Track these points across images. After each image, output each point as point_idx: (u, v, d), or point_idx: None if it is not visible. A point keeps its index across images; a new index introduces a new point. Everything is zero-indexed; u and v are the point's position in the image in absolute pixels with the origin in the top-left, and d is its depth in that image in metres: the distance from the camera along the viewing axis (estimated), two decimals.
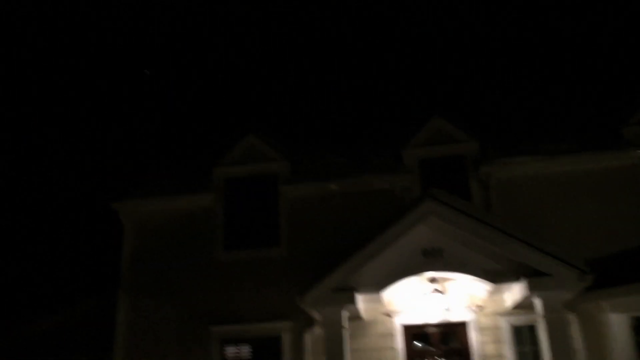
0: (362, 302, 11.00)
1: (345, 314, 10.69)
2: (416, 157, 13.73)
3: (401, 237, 10.64)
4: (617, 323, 10.67)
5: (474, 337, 11.64)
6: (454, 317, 11.67)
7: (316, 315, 11.20)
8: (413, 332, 11.94)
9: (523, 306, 10.93)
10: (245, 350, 12.53)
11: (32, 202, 21.43)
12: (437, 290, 11.20)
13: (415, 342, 11.87)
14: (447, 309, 11.34)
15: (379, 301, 11.30)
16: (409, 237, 10.69)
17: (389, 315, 11.86)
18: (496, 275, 10.56)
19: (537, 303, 10.32)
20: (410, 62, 16.63)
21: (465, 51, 16.35)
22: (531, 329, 11.38)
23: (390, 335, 11.81)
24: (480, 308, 11.68)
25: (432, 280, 11.21)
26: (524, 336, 11.54)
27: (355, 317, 11.36)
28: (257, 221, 13.55)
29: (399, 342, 11.81)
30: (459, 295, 11.68)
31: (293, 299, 11.12)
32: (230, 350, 12.58)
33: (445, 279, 11.32)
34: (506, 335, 11.57)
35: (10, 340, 14.34)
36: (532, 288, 10.13)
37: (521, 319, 11.47)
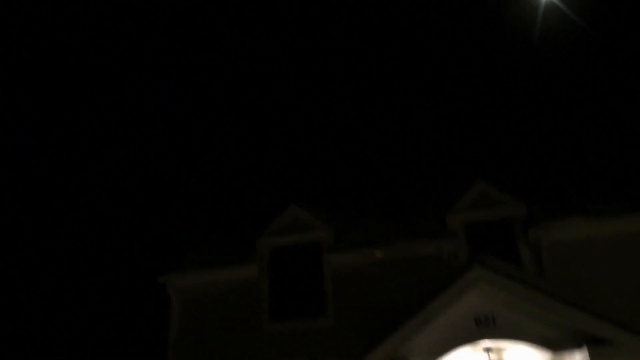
0: None
1: None
2: (461, 221, 13.57)
3: (451, 305, 10.38)
4: None
5: None
6: None
7: None
8: None
9: None
10: None
11: (77, 275, 21.81)
12: None
13: None
14: None
15: None
16: (459, 305, 10.41)
17: None
18: (554, 344, 10.10)
19: None
20: (452, 125, 16.72)
21: (506, 112, 16.37)
22: None
23: None
24: None
25: (488, 350, 10.77)
26: None
27: None
28: (302, 291, 13.47)
29: None
30: None
31: None
32: None
33: (500, 349, 10.87)
34: None
35: None
36: (594, 356, 9.62)
37: None
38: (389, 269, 13.08)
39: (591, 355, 9.65)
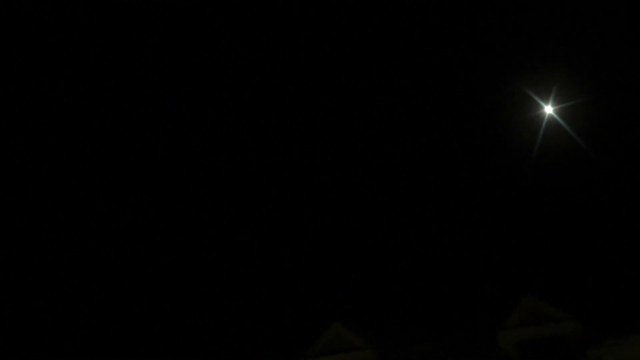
0: None
1: None
2: (512, 339, 12.97)
3: None
4: None
5: None
6: None
7: None
8: None
9: None
10: None
11: None
12: None
13: None
14: None
15: None
16: None
17: None
18: None
19: None
20: (492, 240, 16.45)
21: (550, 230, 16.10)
22: None
23: None
24: None
25: None
26: None
27: None
28: None
29: None
30: None
31: None
32: None
33: None
34: None
35: None
36: None
37: None
38: None
39: None
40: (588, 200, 16.29)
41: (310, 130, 20.25)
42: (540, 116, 16.52)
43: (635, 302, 13.20)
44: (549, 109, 16.40)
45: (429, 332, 14.08)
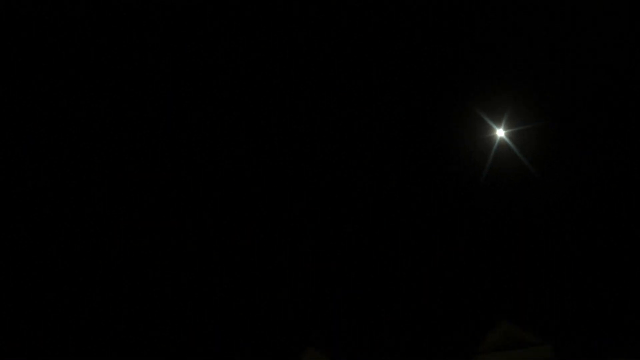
0: None
1: None
2: None
3: None
4: None
5: None
6: None
7: None
8: None
9: None
10: None
11: None
12: None
13: None
14: None
15: None
16: None
17: None
18: None
19: None
20: (474, 264, 16.65)
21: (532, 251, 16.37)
22: None
23: None
24: None
25: None
26: None
27: None
28: None
29: None
30: None
31: None
32: None
33: None
34: None
35: None
36: None
37: None
38: None
39: None
40: (543, 223, 16.74)
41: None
42: (492, 139, 16.91)
43: (606, 327, 13.58)
44: (500, 132, 16.80)
45: (406, 357, 14.09)
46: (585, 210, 16.58)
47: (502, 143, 16.75)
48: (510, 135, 16.69)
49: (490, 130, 16.73)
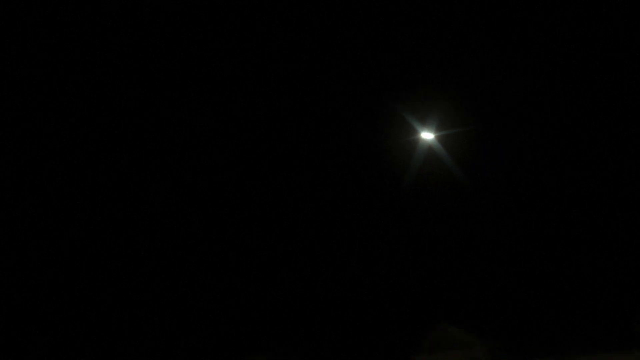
0: None
1: None
2: None
3: None
4: None
5: None
6: None
7: None
8: None
9: None
10: None
11: None
12: None
13: None
14: None
15: None
16: None
17: None
18: None
19: None
20: (420, 265, 16.87)
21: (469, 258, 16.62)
22: None
23: None
24: None
25: None
26: None
27: None
28: None
29: None
30: None
31: None
32: None
33: None
34: None
35: None
36: None
37: None
38: None
39: None
40: (469, 224, 16.96)
41: None
42: (418, 141, 17.09)
43: (539, 329, 13.87)
44: (428, 135, 17.00)
45: (344, 358, 14.31)
46: (508, 212, 16.86)
47: (428, 145, 16.92)
48: (437, 138, 16.87)
49: (417, 132, 16.90)
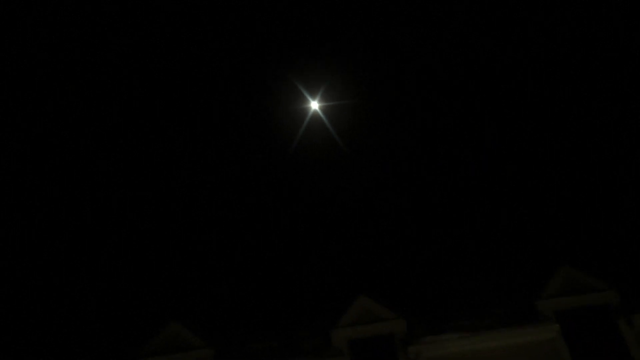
0: None
1: None
2: (345, 337, 13.57)
3: None
4: None
5: None
6: None
7: None
8: None
9: None
10: None
11: None
12: None
13: None
14: None
15: None
16: None
17: None
18: None
19: None
20: (334, 241, 17.02)
21: (390, 232, 16.82)
22: None
23: None
24: None
25: None
26: None
27: None
28: None
29: None
30: None
31: None
32: None
33: None
34: None
35: None
36: None
37: None
38: None
39: None
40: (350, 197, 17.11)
41: None
42: (305, 110, 17.17)
43: (451, 303, 14.00)
44: (314, 105, 17.07)
45: (265, 330, 14.46)
46: (391, 190, 17.05)
47: (315, 115, 17.02)
48: (324, 109, 16.96)
49: (304, 101, 16.96)
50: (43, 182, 19.04)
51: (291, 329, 14.38)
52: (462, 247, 15.89)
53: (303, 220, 17.74)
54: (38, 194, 18.99)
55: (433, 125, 18.65)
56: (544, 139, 17.76)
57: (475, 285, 14.81)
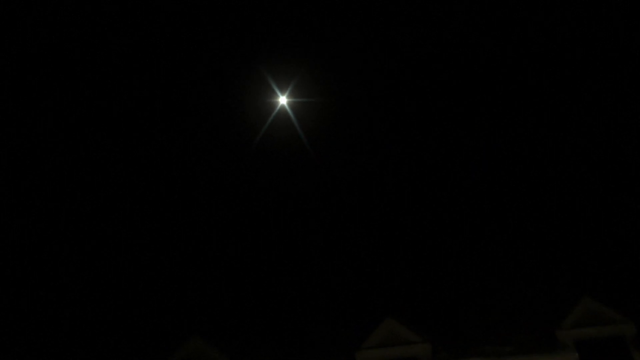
0: None
1: None
2: (370, 359, 13.66)
3: None
4: None
5: None
6: None
7: None
8: None
9: None
10: None
11: None
12: None
13: None
14: None
15: None
16: None
17: None
18: None
19: None
20: (362, 261, 17.18)
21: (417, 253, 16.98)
22: None
23: None
24: None
25: None
26: None
27: None
28: None
29: None
30: None
31: None
32: None
33: None
34: None
35: None
36: None
37: None
38: None
39: None
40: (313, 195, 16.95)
41: None
42: (273, 104, 17.12)
43: (477, 326, 14.24)
44: (283, 100, 17.05)
45: (284, 349, 14.55)
46: (356, 189, 16.91)
47: (282, 110, 16.92)
48: (292, 105, 16.89)
49: (273, 95, 16.88)
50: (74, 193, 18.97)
51: (316, 349, 14.50)
52: (488, 276, 16.12)
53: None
54: (68, 202, 18.91)
55: (404, 130, 18.30)
56: (566, 169, 17.83)
57: (499, 313, 15.04)
